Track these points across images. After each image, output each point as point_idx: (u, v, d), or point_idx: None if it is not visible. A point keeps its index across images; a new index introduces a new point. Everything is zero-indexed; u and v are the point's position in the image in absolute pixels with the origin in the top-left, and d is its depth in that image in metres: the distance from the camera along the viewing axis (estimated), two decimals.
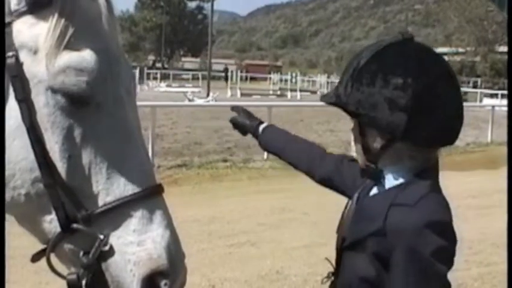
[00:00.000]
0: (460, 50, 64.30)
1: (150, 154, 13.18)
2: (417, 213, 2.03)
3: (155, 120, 14.39)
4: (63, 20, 1.83)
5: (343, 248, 2.31)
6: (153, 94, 40.14)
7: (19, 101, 1.82)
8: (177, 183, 12.24)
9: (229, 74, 63.46)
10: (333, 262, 2.42)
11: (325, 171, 2.78)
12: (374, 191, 2.29)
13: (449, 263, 2.06)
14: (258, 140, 3.08)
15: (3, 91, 1.85)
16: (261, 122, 3.10)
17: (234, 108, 3.26)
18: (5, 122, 1.84)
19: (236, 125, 3.17)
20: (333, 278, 2.42)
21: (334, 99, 2.25)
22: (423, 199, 2.07)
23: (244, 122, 3.12)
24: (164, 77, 68.47)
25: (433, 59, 2.18)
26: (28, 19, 1.85)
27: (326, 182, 2.81)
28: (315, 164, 2.85)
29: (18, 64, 1.82)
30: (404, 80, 2.07)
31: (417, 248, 2.00)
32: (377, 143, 2.18)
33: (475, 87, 51.44)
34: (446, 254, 2.03)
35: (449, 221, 2.08)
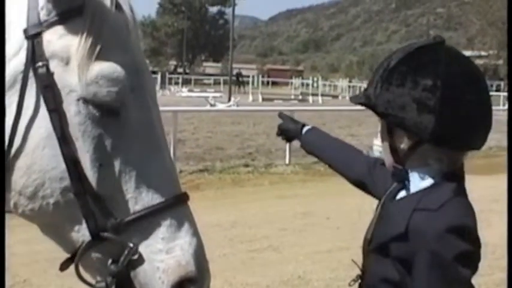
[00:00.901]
0: (483, 53, 63.89)
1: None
2: (440, 218, 2.04)
3: (177, 125, 14.42)
4: (94, 31, 1.85)
5: (369, 251, 2.32)
6: (175, 99, 40.30)
7: (50, 110, 1.83)
8: (199, 188, 12.26)
9: (241, 79, 63.19)
10: (360, 265, 2.43)
11: (358, 173, 2.81)
12: (401, 194, 2.30)
13: (473, 268, 2.05)
14: (300, 141, 3.10)
15: (3, 91, 1.86)
16: (305, 125, 3.12)
17: (280, 114, 3.29)
18: (5, 122, 1.85)
19: (281, 131, 3.19)
20: (360, 280, 2.43)
21: (364, 100, 2.26)
22: (447, 203, 2.07)
23: (288, 127, 3.15)
24: (186, 82, 68.87)
25: (464, 64, 2.19)
26: (58, 29, 1.87)
27: (359, 184, 2.83)
28: (349, 166, 2.88)
29: (49, 74, 1.83)
30: (434, 82, 2.08)
31: (439, 252, 2.00)
32: (404, 144, 2.19)
33: (498, 90, 51.02)
34: (470, 258, 2.02)
35: (472, 225, 2.07)
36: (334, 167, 2.97)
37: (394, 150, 2.23)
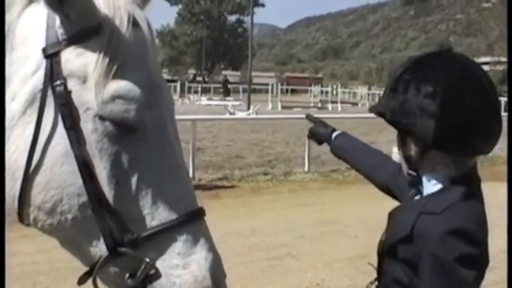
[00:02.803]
0: (503, 59, 63.33)
1: (190, 167, 13.26)
2: (442, 221, 2.09)
3: (196, 134, 14.46)
4: (111, 50, 1.88)
5: (383, 253, 2.37)
6: (194, 108, 40.42)
7: (68, 128, 1.86)
8: (218, 197, 12.29)
9: (229, 85, 61.64)
10: (377, 268, 2.47)
11: (384, 178, 2.86)
12: (416, 198, 2.33)
13: (478, 270, 2.07)
14: (329, 146, 3.18)
15: (3, 91, 1.90)
16: (335, 130, 3.20)
17: (307, 116, 3.38)
18: (5, 122, 1.90)
19: (312, 134, 3.27)
20: (376, 283, 2.48)
21: (377, 109, 2.33)
22: (451, 207, 2.12)
23: (319, 131, 3.23)
24: (205, 91, 68.95)
25: (467, 70, 2.22)
26: (76, 48, 1.90)
27: (384, 188, 2.88)
28: (376, 170, 2.95)
29: (67, 92, 1.87)
30: (434, 88, 2.13)
31: (440, 254, 2.05)
32: (413, 151, 2.25)
33: None
34: (472, 261, 2.06)
35: (475, 228, 2.10)
36: (362, 172, 3.05)
37: (406, 158, 2.29)
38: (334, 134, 3.16)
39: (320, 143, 3.25)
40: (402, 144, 2.29)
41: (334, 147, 3.15)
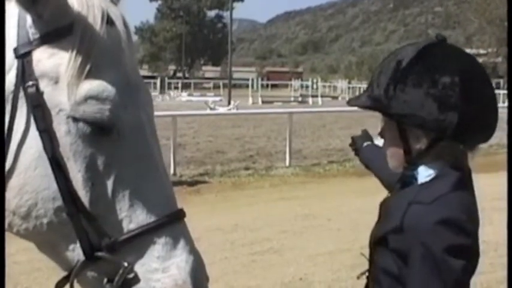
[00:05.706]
0: (482, 51, 63.86)
1: (171, 163, 13.22)
2: (431, 211, 2.06)
3: (176, 130, 14.38)
4: (83, 49, 1.82)
5: (373, 244, 2.36)
6: (175, 104, 40.32)
7: (40, 130, 1.81)
8: (200, 192, 12.26)
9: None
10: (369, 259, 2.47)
11: (387, 177, 2.83)
12: (407, 188, 2.33)
13: (468, 260, 2.06)
14: (359, 156, 3.37)
15: (3, 91, 1.85)
16: (368, 141, 3.35)
17: (362, 131, 3.50)
18: (4, 122, 1.84)
19: (354, 143, 3.43)
20: (367, 273, 2.47)
21: (371, 103, 2.25)
22: (441, 197, 2.10)
23: (356, 141, 3.41)
24: (185, 87, 68.88)
25: (470, 61, 2.23)
26: (48, 48, 1.85)
27: (388, 187, 2.86)
28: (382, 170, 2.92)
29: (39, 93, 1.82)
30: (452, 79, 2.09)
31: (430, 245, 2.03)
32: (421, 144, 2.19)
33: (497, 88, 50.89)
34: (461, 251, 2.04)
35: (465, 219, 2.08)
36: (376, 175, 3.11)
37: (407, 151, 2.22)
38: (364, 145, 3.30)
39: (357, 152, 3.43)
40: (403, 137, 2.21)
41: (360, 156, 3.31)
